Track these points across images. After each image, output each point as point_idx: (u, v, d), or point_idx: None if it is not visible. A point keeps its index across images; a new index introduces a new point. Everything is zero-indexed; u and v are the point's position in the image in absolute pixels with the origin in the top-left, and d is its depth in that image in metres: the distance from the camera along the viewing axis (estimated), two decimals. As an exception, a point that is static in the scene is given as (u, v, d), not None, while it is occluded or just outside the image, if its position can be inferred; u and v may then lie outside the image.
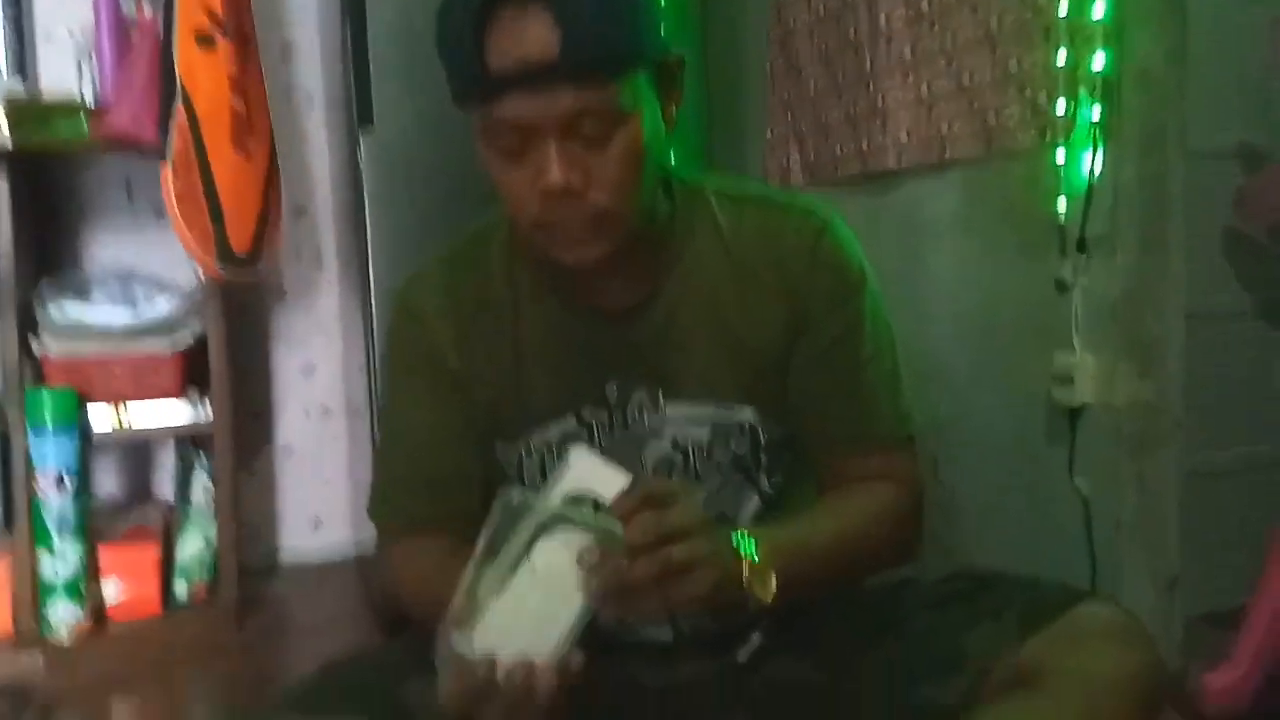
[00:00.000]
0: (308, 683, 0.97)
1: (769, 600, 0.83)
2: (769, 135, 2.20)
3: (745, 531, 0.85)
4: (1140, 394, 1.44)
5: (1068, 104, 1.46)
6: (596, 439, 0.99)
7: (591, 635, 1.05)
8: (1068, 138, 1.47)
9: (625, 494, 0.78)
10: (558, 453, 0.99)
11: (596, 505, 0.78)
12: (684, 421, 0.98)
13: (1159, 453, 1.46)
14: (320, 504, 2.52)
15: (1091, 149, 1.44)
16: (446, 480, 1.02)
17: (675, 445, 0.99)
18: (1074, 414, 1.49)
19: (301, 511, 2.51)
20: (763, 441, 1.00)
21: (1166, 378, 1.45)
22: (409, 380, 1.03)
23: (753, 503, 1.02)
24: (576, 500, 0.78)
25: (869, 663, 0.97)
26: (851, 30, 1.91)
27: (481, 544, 0.73)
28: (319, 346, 2.51)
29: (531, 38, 0.81)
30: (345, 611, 2.15)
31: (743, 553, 0.83)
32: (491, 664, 0.71)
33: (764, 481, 1.02)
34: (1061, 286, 1.49)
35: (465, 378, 1.01)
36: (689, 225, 0.99)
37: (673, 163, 1.01)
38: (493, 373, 1.01)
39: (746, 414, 0.99)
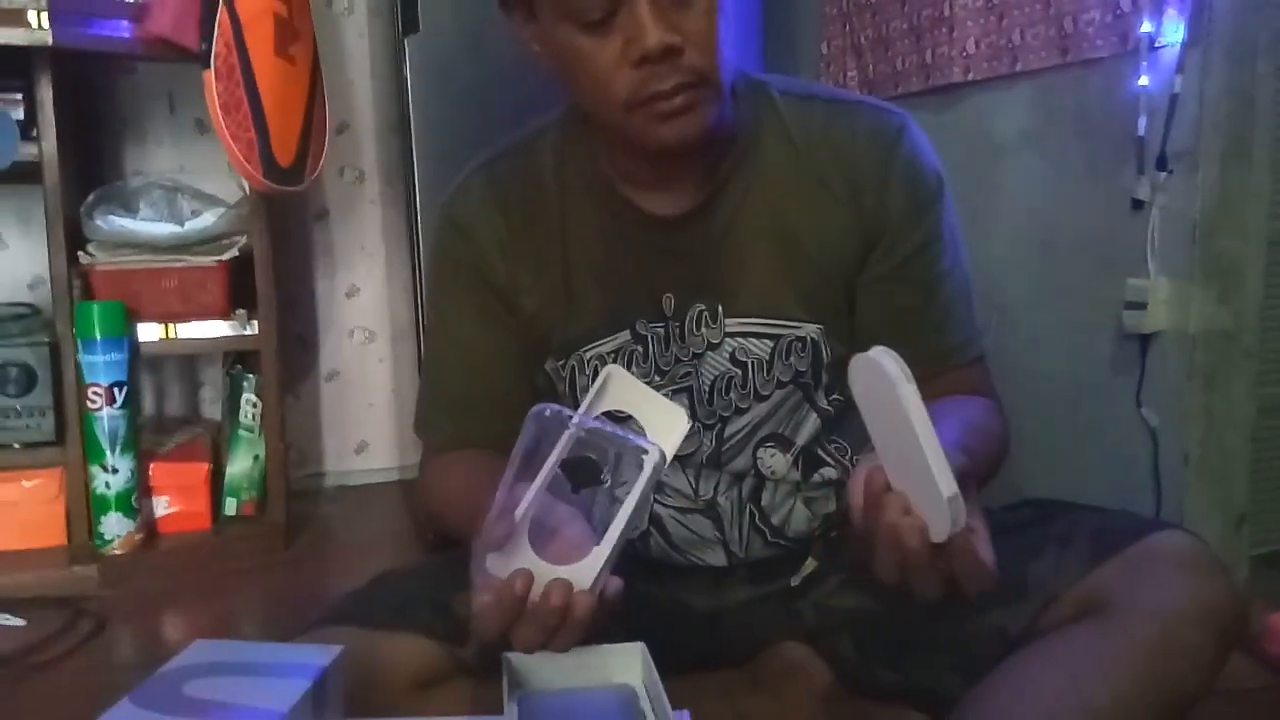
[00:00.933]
0: (357, 595, 0.97)
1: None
2: (824, 49, 2.11)
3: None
4: (1216, 321, 1.37)
5: (1152, 8, 1.36)
6: (651, 353, 0.96)
7: (640, 559, 1.03)
8: (1151, 46, 1.38)
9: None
10: None
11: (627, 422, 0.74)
12: (744, 335, 0.95)
13: (1231, 384, 1.40)
14: (365, 427, 2.53)
15: (1177, 59, 1.34)
16: (488, 399, 1.00)
17: (734, 360, 0.95)
18: (1144, 341, 1.43)
19: (346, 435, 2.52)
20: (825, 359, 0.96)
21: (1245, 304, 1.38)
22: (454, 296, 1.00)
23: (811, 421, 0.99)
24: (613, 418, 0.74)
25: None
26: (918, -66, 1.81)
27: (516, 459, 0.69)
28: (362, 268, 2.49)
29: None
30: (390, 531, 2.17)
31: None
32: (527, 583, 0.68)
33: (822, 399, 0.98)
34: (1138, 205, 1.42)
35: (513, 292, 0.98)
36: (754, 125, 0.93)
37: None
38: (542, 286, 0.97)
39: (810, 329, 0.95)
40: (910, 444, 0.65)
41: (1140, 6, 1.38)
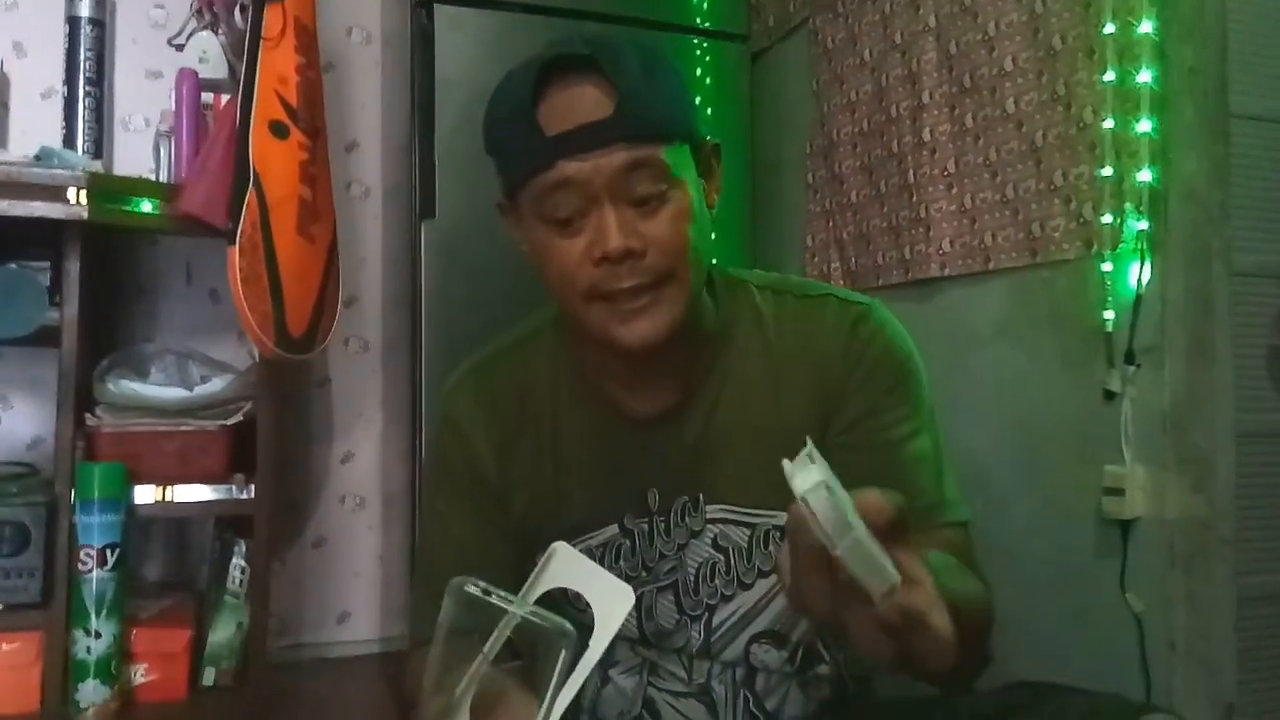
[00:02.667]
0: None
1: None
2: (809, 241, 2.25)
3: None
4: (1192, 509, 1.41)
5: (1114, 216, 1.48)
6: (638, 548, 0.99)
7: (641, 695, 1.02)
8: (1114, 249, 1.49)
9: None
10: (602, 561, 0.97)
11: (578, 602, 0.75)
12: (724, 522, 0.97)
13: (1211, 571, 1.43)
14: (348, 596, 2.50)
15: (1139, 260, 1.45)
16: None
17: (716, 546, 0.98)
18: (1125, 528, 1.47)
19: (329, 603, 2.49)
20: None
21: (1217, 494, 1.43)
22: (448, 494, 1.03)
23: (805, 618, 0.99)
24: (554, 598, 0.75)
25: (923, 773, 0.94)
26: (895, 143, 1.96)
27: (440, 635, 0.70)
28: (359, 434, 2.53)
29: (586, 101, 0.85)
30: (370, 706, 2.12)
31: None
32: None
33: None
34: (1109, 396, 1.49)
35: (505, 490, 1.01)
36: (732, 320, 0.98)
37: (715, 260, 1.00)
38: (533, 483, 1.00)
39: (784, 519, 0.97)
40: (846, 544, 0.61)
41: (1101, 214, 1.50)
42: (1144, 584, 1.45)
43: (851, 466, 0.95)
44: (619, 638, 1.01)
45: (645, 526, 0.98)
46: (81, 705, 1.76)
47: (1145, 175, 1.45)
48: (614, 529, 0.99)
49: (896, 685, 1.16)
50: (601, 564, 0.97)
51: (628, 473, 0.98)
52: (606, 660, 1.04)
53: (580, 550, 0.98)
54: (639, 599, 0.98)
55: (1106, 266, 1.51)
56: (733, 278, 1.02)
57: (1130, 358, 1.46)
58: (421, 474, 2.08)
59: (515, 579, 1.01)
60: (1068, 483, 1.56)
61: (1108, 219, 1.49)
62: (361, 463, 2.53)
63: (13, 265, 1.67)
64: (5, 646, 1.79)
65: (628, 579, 0.98)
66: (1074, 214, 1.56)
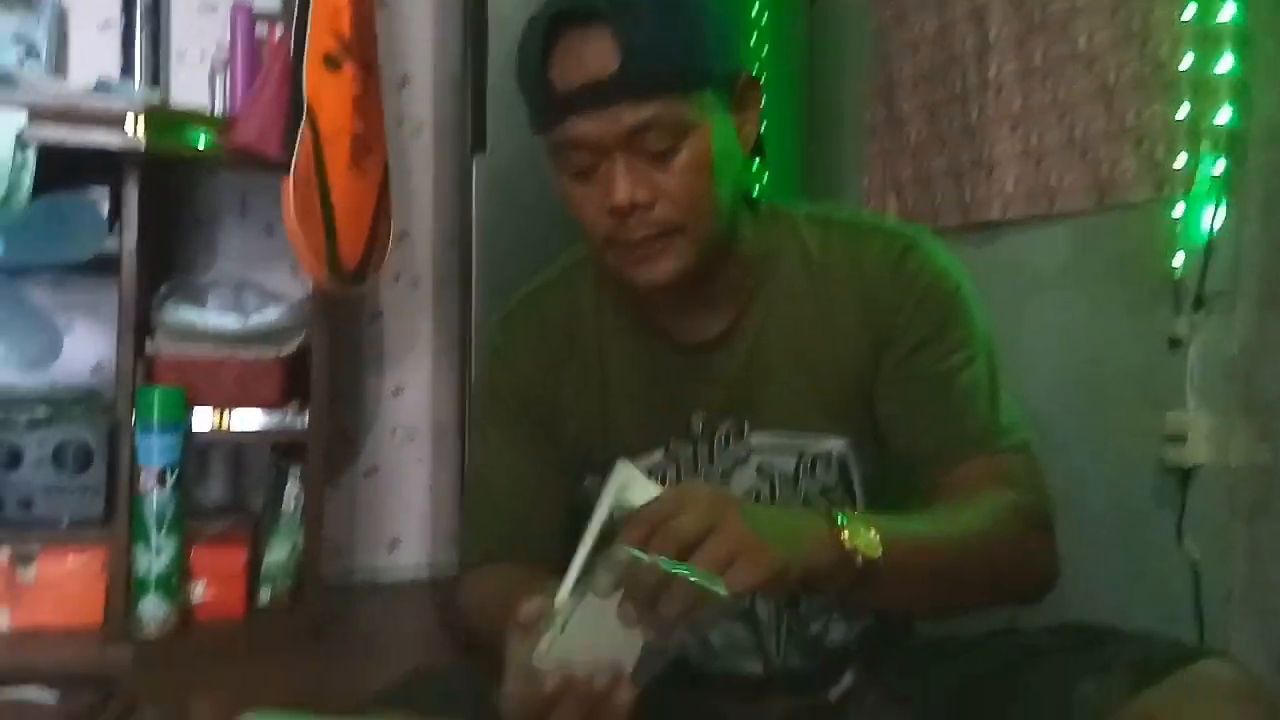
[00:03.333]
0: (402, 682, 0.98)
1: (877, 555, 0.75)
2: (865, 184, 2.21)
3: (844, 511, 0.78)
4: (1257, 456, 1.38)
5: (1188, 158, 1.43)
6: (684, 471, 0.99)
7: (677, 666, 1.04)
8: (1186, 192, 1.44)
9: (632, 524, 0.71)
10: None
11: None
12: (769, 450, 0.97)
13: (1273, 519, 1.40)
14: (399, 525, 2.56)
15: (1212, 204, 1.40)
16: (525, 522, 1.03)
17: (761, 473, 0.98)
18: (1185, 476, 1.44)
19: (380, 531, 2.55)
20: (855, 475, 0.97)
21: (1284, 442, 1.40)
22: (498, 424, 1.04)
23: None
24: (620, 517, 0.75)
25: (968, 713, 0.94)
26: (958, 83, 1.91)
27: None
28: (410, 368, 2.56)
29: (592, 56, 0.83)
30: (420, 631, 2.17)
31: (832, 514, 0.76)
32: (566, 675, 0.69)
33: None
34: (1174, 344, 1.45)
35: (552, 416, 1.02)
36: (775, 250, 0.98)
37: (759, 190, 1.00)
38: (580, 409, 1.01)
39: (835, 444, 0.96)
40: None
41: (1174, 157, 1.45)
42: (1202, 532, 1.43)
43: (906, 399, 0.96)
44: None
45: (690, 451, 0.99)
46: (143, 619, 1.82)
47: (1224, 116, 1.39)
48: (659, 454, 1.00)
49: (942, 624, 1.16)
50: None
51: (672, 398, 0.99)
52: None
53: None
54: None
55: (1177, 210, 1.46)
56: (777, 209, 1.01)
57: (1199, 303, 1.42)
58: (471, 409, 2.10)
59: (566, 505, 1.03)
60: (1128, 430, 1.53)
61: (1181, 161, 1.44)
62: (412, 396, 2.56)
63: (73, 193, 1.69)
64: (71, 561, 1.87)
65: None
66: (1145, 156, 1.51)
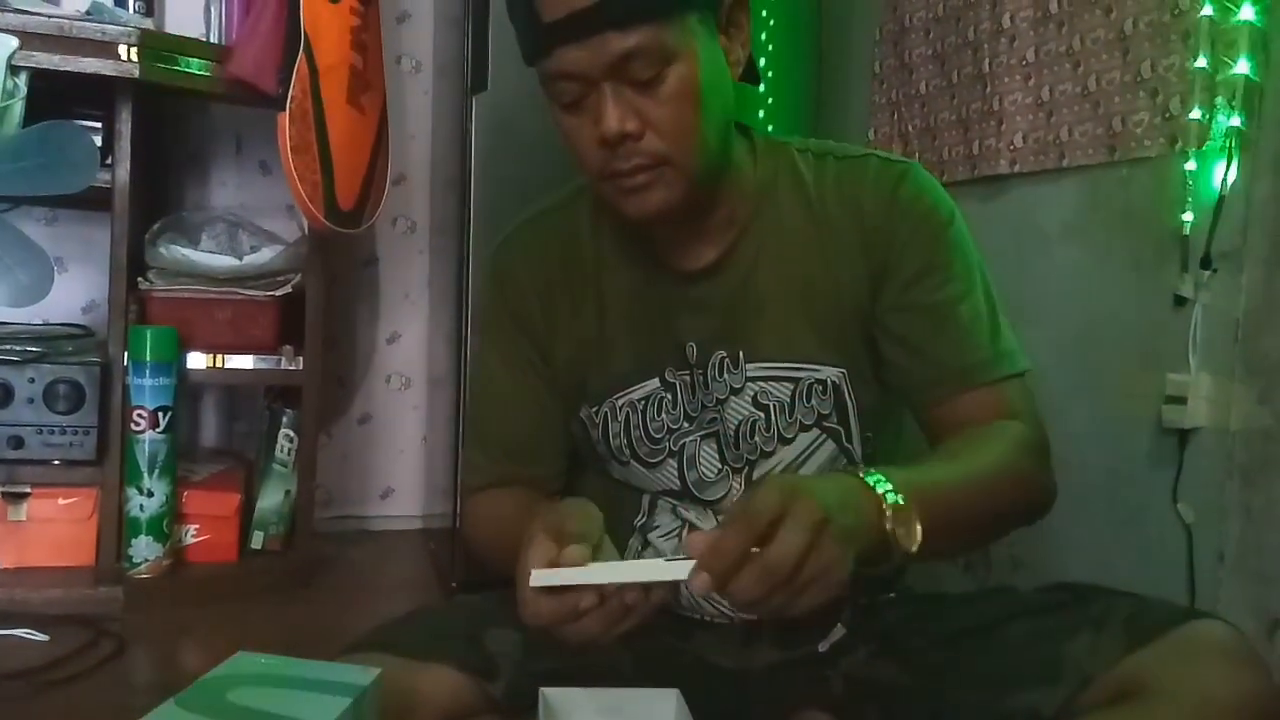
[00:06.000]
0: (392, 625, 0.98)
1: (914, 550, 0.76)
2: (872, 136, 2.16)
3: (876, 471, 0.77)
4: (1256, 420, 1.36)
5: (1203, 111, 1.40)
6: (680, 400, 0.99)
7: (668, 613, 1.04)
8: (1200, 146, 1.40)
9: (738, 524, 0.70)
10: (644, 413, 0.99)
11: None
12: (765, 379, 0.98)
13: (1270, 483, 1.39)
14: (393, 473, 2.56)
15: (1226, 159, 1.37)
16: (527, 442, 1.04)
17: (756, 404, 0.98)
18: (1183, 437, 1.42)
19: (374, 479, 2.54)
20: (851, 404, 0.97)
21: (1286, 406, 1.38)
22: (496, 344, 1.06)
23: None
24: None
25: (959, 667, 0.94)
26: (971, 29, 1.86)
27: None
28: (405, 315, 2.54)
29: None
30: (412, 578, 2.18)
31: (883, 496, 0.76)
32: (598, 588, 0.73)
33: (856, 450, 0.99)
34: (1180, 302, 1.43)
35: (550, 341, 1.03)
36: (770, 181, 0.98)
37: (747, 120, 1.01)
38: (577, 335, 1.02)
39: (830, 372, 0.97)
40: None
41: (1189, 109, 1.41)
42: (1197, 495, 1.42)
43: (906, 330, 0.96)
44: (660, 497, 1.02)
45: (687, 378, 0.99)
46: (135, 560, 1.82)
47: (1242, 67, 1.35)
48: (655, 383, 1.00)
49: (933, 578, 1.16)
50: (643, 418, 0.99)
51: (667, 326, 0.99)
52: (646, 525, 1.04)
53: (623, 404, 1.00)
54: (681, 449, 0.99)
55: (1190, 165, 1.42)
56: (773, 140, 1.02)
57: (1206, 262, 1.39)
58: (467, 357, 2.08)
59: (562, 430, 1.04)
60: (1127, 390, 1.52)
61: (1196, 114, 1.41)
62: (407, 343, 2.54)
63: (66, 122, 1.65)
64: (62, 501, 1.86)
65: (669, 431, 0.99)
66: (1160, 108, 1.47)
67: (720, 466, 1.00)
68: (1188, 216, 1.42)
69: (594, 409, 1.02)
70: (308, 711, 0.69)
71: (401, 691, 0.86)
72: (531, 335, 1.03)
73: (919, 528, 0.76)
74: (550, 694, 0.75)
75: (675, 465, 1.00)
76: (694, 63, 0.86)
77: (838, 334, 0.97)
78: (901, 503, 0.75)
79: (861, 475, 0.77)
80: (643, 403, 1.00)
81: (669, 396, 1.00)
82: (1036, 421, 0.96)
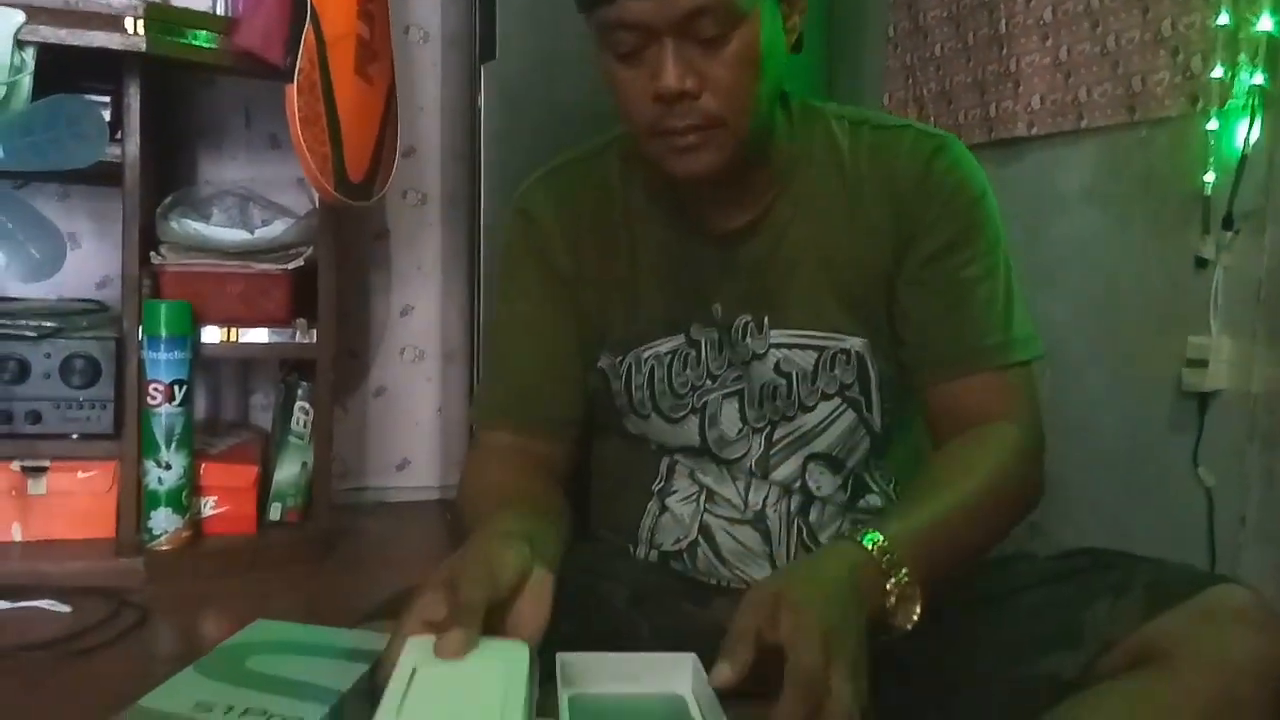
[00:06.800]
0: (402, 596, 0.98)
1: (909, 626, 0.77)
2: (886, 101, 2.14)
3: (879, 537, 0.77)
4: (1279, 383, 1.35)
5: (1225, 69, 1.37)
6: (704, 357, 0.99)
7: (686, 579, 1.04)
8: (1222, 105, 1.38)
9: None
10: (669, 368, 0.98)
11: None
12: (789, 347, 0.97)
13: (1293, 448, 1.38)
14: (408, 445, 2.56)
15: (1248, 118, 1.34)
16: (547, 377, 1.02)
17: (778, 371, 0.97)
18: (1203, 401, 1.41)
19: (390, 451, 2.55)
20: (873, 376, 0.96)
21: (1308, 369, 1.36)
22: (520, 278, 1.03)
23: (863, 445, 0.99)
24: None
25: (977, 634, 0.93)
26: (987, -10, 1.83)
27: None
28: (417, 288, 2.53)
29: None
30: (428, 548, 2.19)
31: (888, 572, 0.76)
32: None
33: (876, 421, 0.99)
34: (1201, 264, 1.41)
35: (574, 281, 1.01)
36: (806, 146, 0.97)
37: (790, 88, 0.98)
38: (603, 282, 1.00)
39: (855, 342, 0.96)
40: None
41: (1211, 67, 1.39)
42: (1218, 459, 1.40)
43: (922, 304, 0.95)
44: (680, 456, 1.01)
45: (714, 336, 0.98)
46: (155, 532, 1.84)
47: (1265, 24, 1.32)
48: (681, 338, 0.99)
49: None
50: (668, 372, 0.98)
51: (694, 284, 0.98)
52: (664, 490, 1.04)
53: (647, 357, 0.99)
54: (703, 407, 0.98)
55: (1211, 124, 1.40)
56: (809, 106, 1.00)
57: (1228, 222, 1.37)
58: (480, 329, 2.08)
59: (581, 375, 1.02)
60: (1147, 354, 1.50)
61: (1218, 72, 1.38)
62: (420, 316, 2.54)
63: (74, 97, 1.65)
64: (81, 474, 1.88)
65: (693, 388, 0.99)
66: (1180, 66, 1.44)
67: (741, 426, 0.99)
68: (1209, 177, 1.40)
69: (618, 359, 1.01)
70: (327, 678, 0.69)
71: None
72: (557, 274, 1.01)
73: (918, 607, 0.77)
74: (567, 659, 0.74)
75: (696, 421, 1.00)
76: (758, 27, 0.84)
77: (863, 304, 0.96)
78: (900, 591, 0.76)
79: (869, 548, 0.77)
80: (669, 357, 0.99)
81: (693, 353, 0.99)
82: (1034, 418, 0.95)
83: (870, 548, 0.77)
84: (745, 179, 0.94)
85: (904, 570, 0.76)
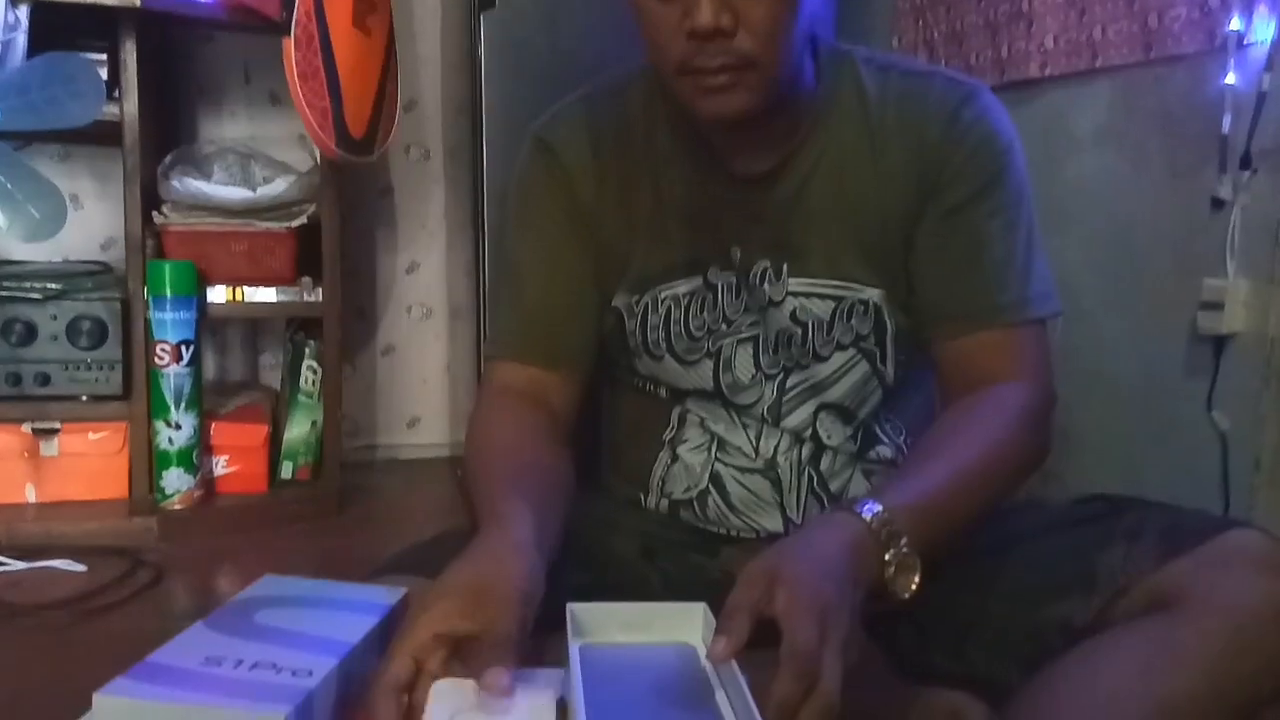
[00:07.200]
0: (419, 547, 0.98)
1: (906, 598, 0.77)
2: (895, 43, 2.09)
3: (878, 508, 0.77)
4: (1297, 325, 1.33)
5: (1242, 7, 1.33)
6: (721, 301, 0.98)
7: (695, 529, 1.03)
8: (1239, 43, 1.34)
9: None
10: (686, 309, 0.98)
11: None
12: (806, 295, 0.96)
13: (1309, 392, 1.36)
14: (418, 403, 2.56)
15: (1267, 55, 1.31)
16: (561, 309, 1.01)
17: (794, 319, 0.96)
18: (1219, 344, 1.39)
19: (399, 409, 2.55)
20: (889, 328, 0.96)
21: (1326, 310, 1.34)
22: (538, 209, 1.01)
23: (875, 396, 0.98)
24: None
25: (991, 580, 0.93)
26: (999, -74, 1.78)
27: None
28: (423, 245, 2.52)
29: None
30: (439, 506, 2.19)
31: (886, 544, 0.75)
32: None
33: (889, 373, 0.98)
34: (1218, 205, 1.38)
35: (596, 216, 0.99)
36: (833, 92, 0.95)
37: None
38: (624, 217, 0.99)
39: (872, 293, 0.95)
40: None
41: (1229, 3, 1.35)
42: (1233, 402, 1.39)
43: (939, 256, 0.93)
44: (692, 402, 1.00)
45: (731, 280, 0.97)
46: (167, 492, 1.85)
47: (1287, -47, 1.28)
48: (699, 281, 0.98)
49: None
50: (685, 314, 0.97)
51: (714, 227, 0.97)
52: (675, 438, 1.03)
53: (664, 297, 0.98)
54: (718, 351, 0.97)
55: (1229, 62, 1.36)
56: (837, 49, 0.98)
57: (1246, 162, 1.34)
58: (487, 287, 2.06)
59: (595, 309, 1.01)
60: (1162, 297, 1.48)
61: (1236, 8, 1.34)
62: (427, 273, 2.52)
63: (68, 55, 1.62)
64: (92, 436, 1.88)
65: (709, 331, 0.98)
66: (1198, 3, 1.40)
67: (755, 372, 0.99)
68: (1227, 116, 1.37)
69: (634, 298, 1.00)
70: (336, 631, 0.69)
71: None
72: (577, 207, 0.99)
73: (916, 577, 0.77)
74: (578, 609, 0.74)
75: (711, 365, 0.99)
76: None
77: (882, 255, 0.95)
78: (900, 561, 0.76)
79: (867, 519, 0.76)
80: (687, 298, 0.98)
81: (710, 297, 0.98)
82: (1045, 377, 0.93)
83: (869, 519, 0.76)
84: (771, 123, 0.92)
85: (903, 540, 0.76)
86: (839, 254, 0.94)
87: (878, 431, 1.01)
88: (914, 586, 0.77)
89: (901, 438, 1.02)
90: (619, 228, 0.99)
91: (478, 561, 0.74)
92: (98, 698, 0.60)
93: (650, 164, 0.98)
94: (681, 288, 0.98)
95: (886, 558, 0.76)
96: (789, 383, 0.99)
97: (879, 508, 0.77)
